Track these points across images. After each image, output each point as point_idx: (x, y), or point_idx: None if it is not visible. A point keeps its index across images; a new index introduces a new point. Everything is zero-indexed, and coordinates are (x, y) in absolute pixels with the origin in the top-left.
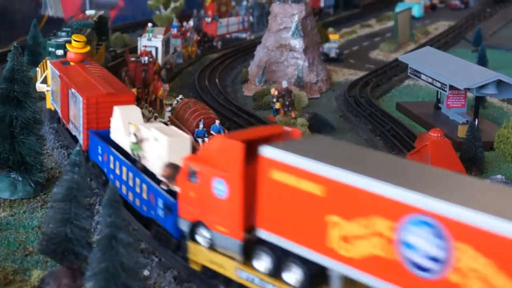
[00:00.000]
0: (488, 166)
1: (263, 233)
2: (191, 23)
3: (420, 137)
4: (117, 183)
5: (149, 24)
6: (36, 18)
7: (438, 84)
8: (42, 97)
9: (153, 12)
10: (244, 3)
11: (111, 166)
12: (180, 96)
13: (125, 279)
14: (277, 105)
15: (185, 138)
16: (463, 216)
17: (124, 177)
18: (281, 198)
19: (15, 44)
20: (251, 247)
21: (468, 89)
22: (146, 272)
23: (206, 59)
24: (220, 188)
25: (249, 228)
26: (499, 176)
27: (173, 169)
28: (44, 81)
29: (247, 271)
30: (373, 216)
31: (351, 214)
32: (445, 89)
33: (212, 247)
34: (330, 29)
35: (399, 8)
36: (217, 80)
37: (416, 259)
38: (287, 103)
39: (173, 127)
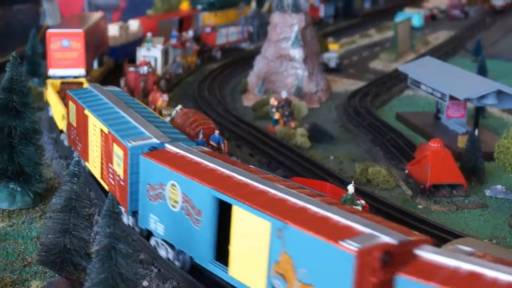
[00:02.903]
0: (488, 176)
1: None
2: (190, 33)
3: (420, 147)
4: None
5: (148, 34)
6: (35, 28)
7: (438, 94)
8: (41, 107)
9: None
10: None
11: None
12: (180, 106)
13: None
14: (277, 115)
15: None
16: None
17: None
18: None
19: (14, 54)
20: None
21: (468, 99)
22: (145, 283)
23: (206, 69)
24: None
25: None
26: (499, 187)
27: None
28: None
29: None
30: None
31: None
32: (445, 99)
33: None
34: (330, 39)
35: (399, 18)
36: (216, 90)
37: None
38: (286, 113)
39: None
